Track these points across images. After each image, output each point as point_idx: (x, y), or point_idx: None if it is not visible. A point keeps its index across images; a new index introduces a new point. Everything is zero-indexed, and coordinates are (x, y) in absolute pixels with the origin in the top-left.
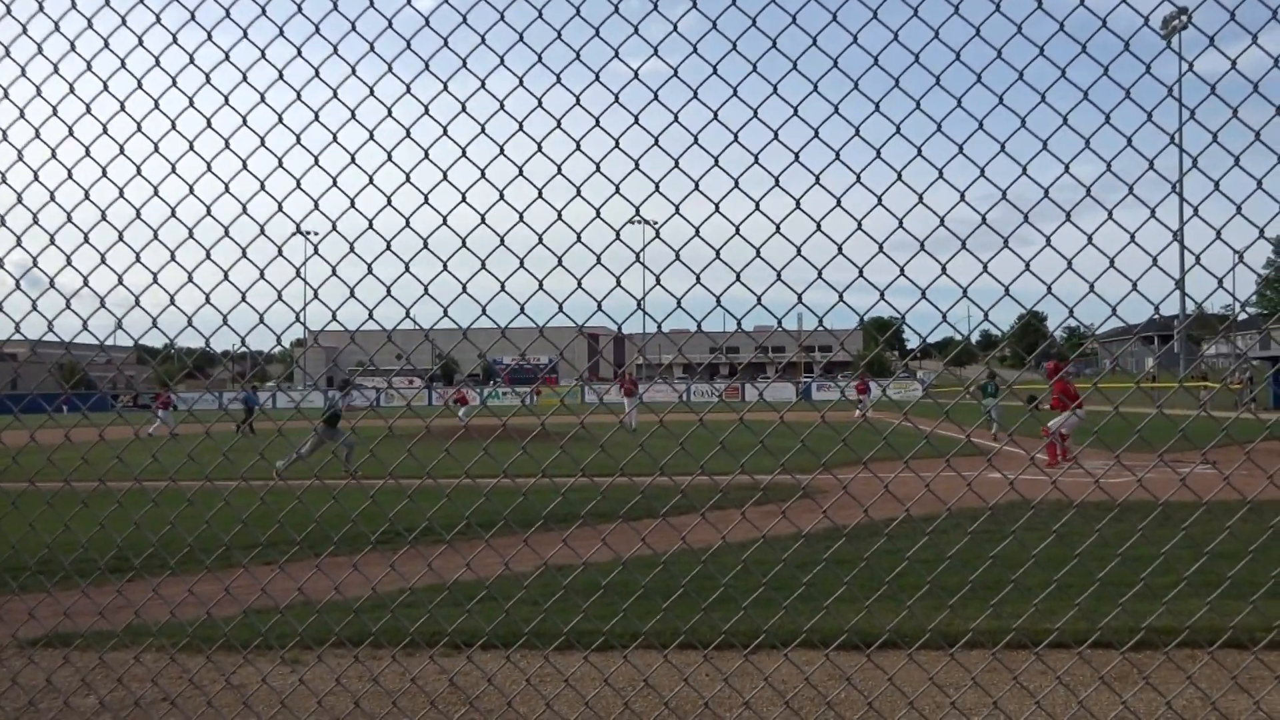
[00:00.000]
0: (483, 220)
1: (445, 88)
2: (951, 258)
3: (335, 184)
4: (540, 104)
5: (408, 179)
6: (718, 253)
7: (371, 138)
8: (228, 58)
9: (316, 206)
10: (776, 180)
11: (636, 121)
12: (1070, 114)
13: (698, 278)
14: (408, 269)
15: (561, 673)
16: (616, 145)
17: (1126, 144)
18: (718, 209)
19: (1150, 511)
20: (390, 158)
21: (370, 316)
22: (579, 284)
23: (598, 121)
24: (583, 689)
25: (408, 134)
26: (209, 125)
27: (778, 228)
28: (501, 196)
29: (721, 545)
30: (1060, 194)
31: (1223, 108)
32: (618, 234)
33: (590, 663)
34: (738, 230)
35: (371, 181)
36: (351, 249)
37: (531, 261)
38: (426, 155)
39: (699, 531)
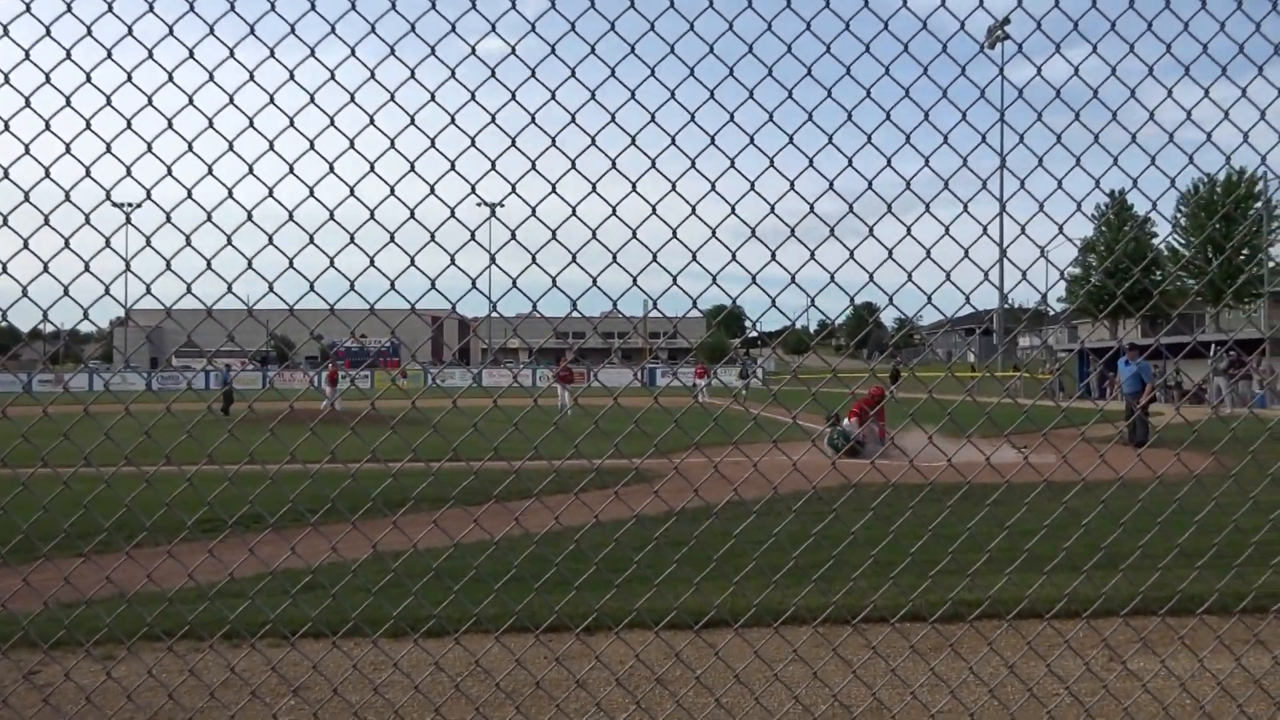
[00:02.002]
0: (310, 193)
1: (272, 54)
2: (780, 245)
3: (150, 150)
4: (373, 76)
5: (230, 147)
6: (554, 233)
7: (191, 103)
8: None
9: (129, 173)
10: (613, 163)
11: (473, 98)
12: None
13: (534, 258)
14: (228, 242)
15: (391, 658)
16: (452, 121)
17: (943, 141)
18: (554, 189)
19: (960, 491)
20: (211, 124)
21: (188, 291)
22: (407, 260)
23: (433, 96)
24: (414, 675)
25: (231, 100)
26: (6, 81)
27: (613, 210)
28: (331, 169)
29: (557, 528)
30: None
31: (1051, 111)
32: (453, 212)
33: (421, 647)
34: (573, 211)
35: (191, 149)
36: (168, 219)
37: (369, 241)
38: (251, 124)
39: (534, 515)
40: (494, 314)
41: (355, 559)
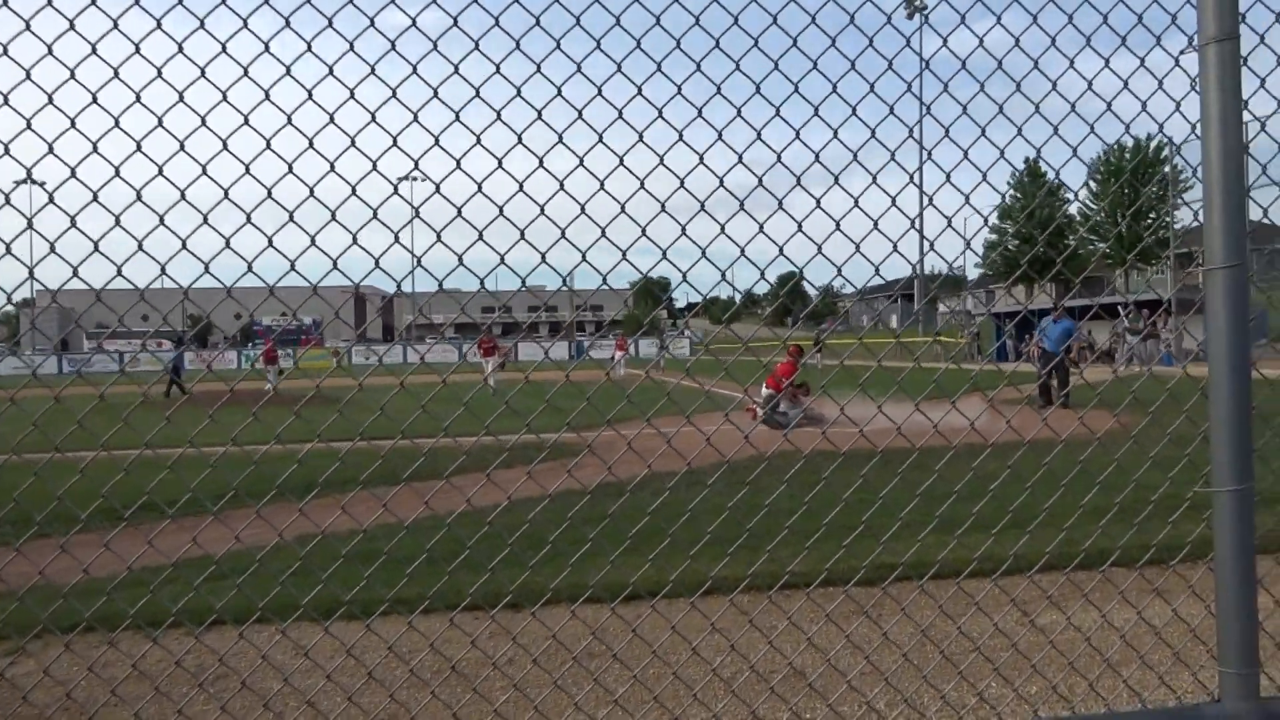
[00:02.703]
0: (247, 170)
1: (202, 25)
2: (690, 220)
3: (74, 126)
4: (310, 48)
5: (160, 123)
6: (459, 210)
7: (117, 76)
8: None
9: (51, 150)
10: (519, 138)
11: (415, 72)
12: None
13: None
14: (163, 221)
15: (301, 647)
16: (394, 95)
17: (851, 113)
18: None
19: (873, 458)
20: (139, 99)
21: (119, 273)
22: (311, 239)
23: (373, 70)
24: (326, 663)
25: (159, 74)
26: None
27: (520, 185)
28: (268, 145)
29: (469, 509)
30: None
31: (968, 82)
32: (352, 189)
33: (331, 634)
34: (479, 187)
35: (118, 125)
36: (95, 198)
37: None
38: (181, 98)
39: (447, 496)
40: (423, 289)
41: (262, 546)
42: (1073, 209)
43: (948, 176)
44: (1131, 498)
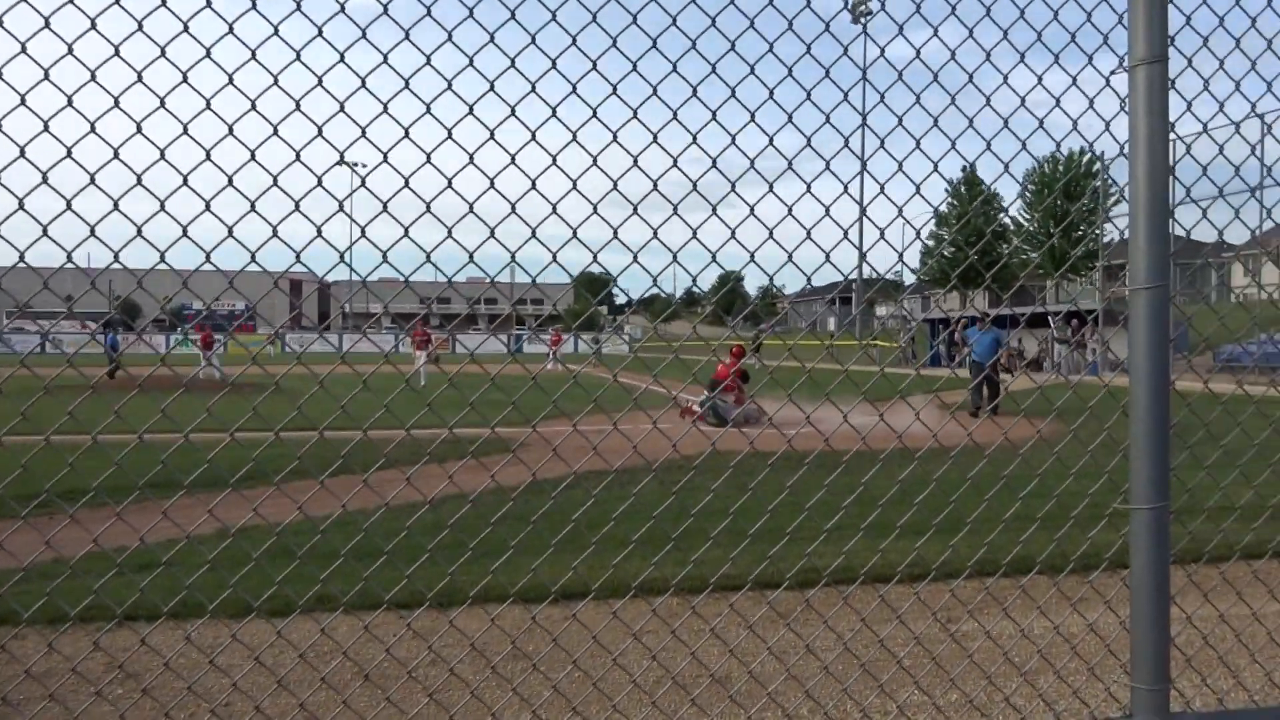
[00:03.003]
0: (162, 156)
1: (118, 2)
2: (623, 223)
3: None
4: (231, 30)
5: (69, 103)
6: (384, 205)
7: (24, 50)
8: None
9: None
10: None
11: (342, 60)
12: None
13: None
14: (70, 206)
15: (206, 652)
16: (320, 83)
17: (787, 120)
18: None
19: (805, 461)
20: (48, 76)
21: (22, 259)
22: (229, 218)
23: (298, 56)
24: (233, 668)
25: (70, 51)
26: None
27: (449, 182)
28: (185, 131)
29: (409, 499)
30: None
31: (905, 92)
32: (274, 179)
33: (240, 640)
34: (406, 181)
35: (24, 102)
36: None
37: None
38: (94, 77)
39: (389, 485)
40: (355, 276)
41: (200, 535)
42: (1008, 218)
43: (881, 188)
44: (1054, 509)
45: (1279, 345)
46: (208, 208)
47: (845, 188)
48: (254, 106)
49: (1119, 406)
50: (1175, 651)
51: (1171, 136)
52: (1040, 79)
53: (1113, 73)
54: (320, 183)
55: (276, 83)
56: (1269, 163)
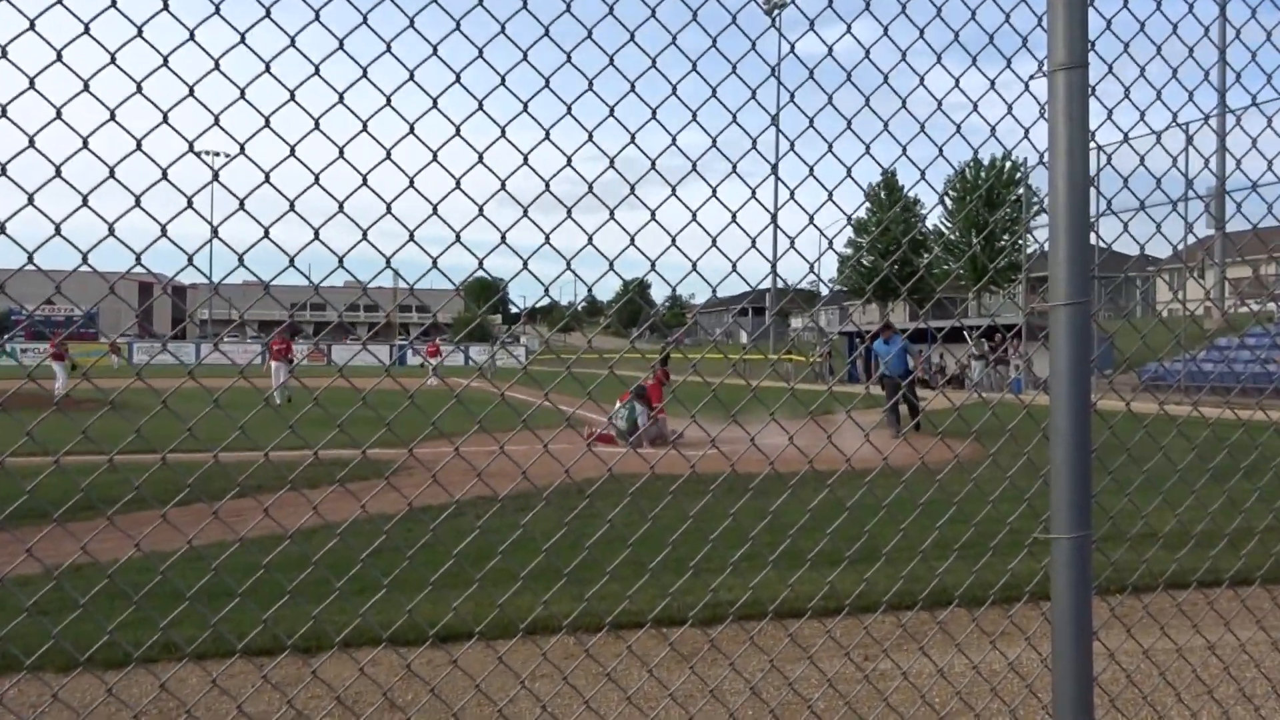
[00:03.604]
0: (31, 144)
1: None
2: (512, 226)
3: None
4: (63, 3)
5: None
6: (241, 203)
7: None
8: None
9: None
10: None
11: (192, 38)
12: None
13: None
14: None
15: (52, 690)
16: (165, 64)
17: (691, 119)
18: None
19: (713, 484)
20: None
21: None
22: (56, 227)
23: (140, 32)
24: (84, 711)
25: None
26: None
27: (316, 178)
28: (4, 113)
29: (267, 531)
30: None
31: (819, 87)
32: (110, 170)
33: (98, 678)
34: (267, 177)
35: None
36: None
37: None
38: None
39: (244, 516)
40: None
41: (20, 576)
42: (928, 226)
43: (791, 194)
44: (973, 537)
45: (1201, 364)
46: (30, 202)
47: (753, 192)
48: (86, 88)
49: (1040, 428)
50: (1099, 690)
51: (1092, 145)
52: (958, 81)
53: (1032, 77)
54: (165, 176)
55: (114, 61)
56: (1191, 175)
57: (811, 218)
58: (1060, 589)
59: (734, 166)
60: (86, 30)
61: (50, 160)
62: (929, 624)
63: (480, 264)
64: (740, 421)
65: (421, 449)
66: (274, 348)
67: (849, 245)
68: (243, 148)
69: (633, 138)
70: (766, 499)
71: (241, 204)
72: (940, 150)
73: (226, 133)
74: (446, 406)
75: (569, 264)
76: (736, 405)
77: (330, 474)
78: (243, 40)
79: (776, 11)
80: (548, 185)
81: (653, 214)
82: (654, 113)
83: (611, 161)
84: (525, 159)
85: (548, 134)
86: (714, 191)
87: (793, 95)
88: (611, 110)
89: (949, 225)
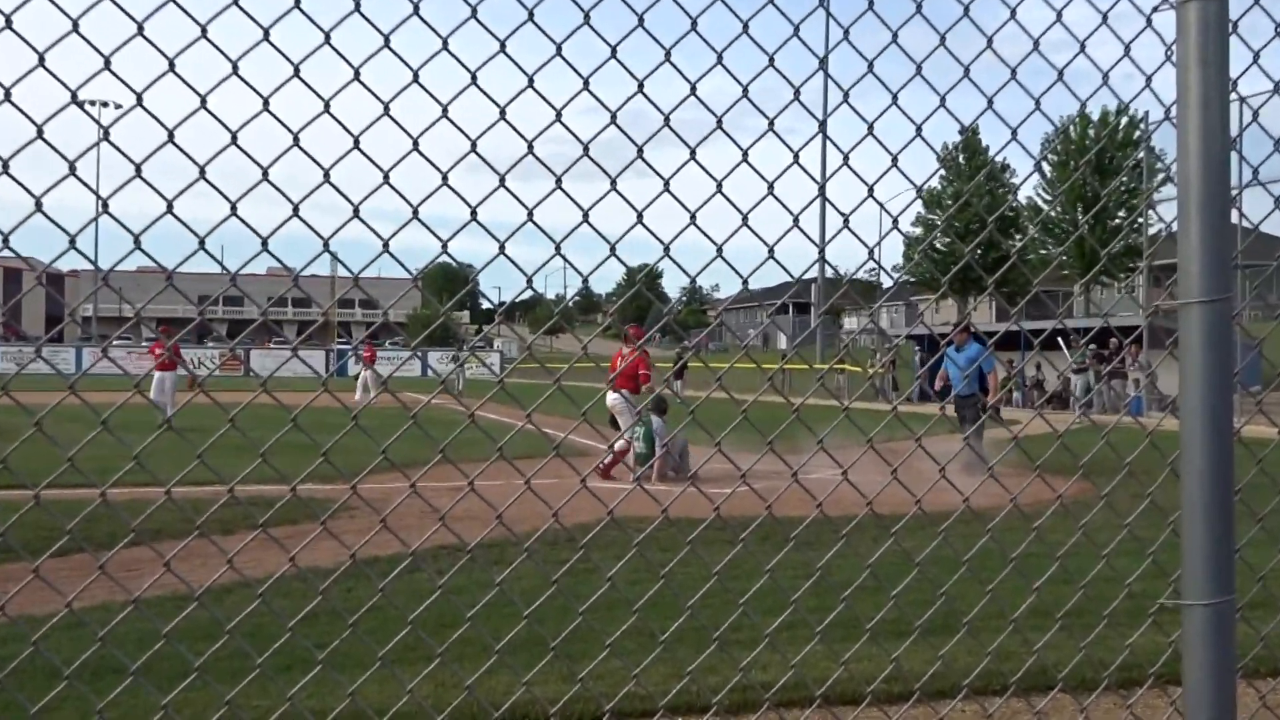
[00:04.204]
0: None
1: None
2: (485, 199)
3: None
4: None
5: None
6: (137, 169)
7: None
8: None
9: None
10: (296, 70)
11: None
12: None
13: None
14: None
15: None
16: (75, 27)
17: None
18: (204, 103)
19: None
20: None
21: None
22: None
23: None
24: None
25: None
26: None
27: (296, 139)
28: None
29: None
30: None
31: (880, 22)
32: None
33: None
34: (234, 139)
35: None
36: None
37: None
38: None
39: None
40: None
41: None
42: (1020, 199)
43: (845, 158)
44: (1081, 603)
45: None
46: None
47: (795, 157)
48: None
49: (1167, 461)
50: None
51: (1233, 96)
52: (1060, 14)
53: (1156, 9)
54: (41, 134)
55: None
56: None
57: (871, 189)
58: (1194, 669)
59: (770, 123)
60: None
61: None
62: (1023, 713)
63: (444, 247)
64: (778, 451)
65: (368, 485)
66: (154, 353)
67: (918, 224)
68: (140, 98)
69: (640, 86)
70: (812, 551)
71: (138, 170)
72: (1037, 102)
73: (119, 79)
74: (401, 431)
75: (558, 248)
76: (774, 431)
77: (250, 516)
78: (141, 31)
79: None
80: (531, 147)
81: (666, 184)
82: (668, 54)
83: (614, 116)
84: (502, 113)
85: (531, 81)
86: (745, 155)
87: (846, 32)
88: (614, 51)
89: (1047, 198)
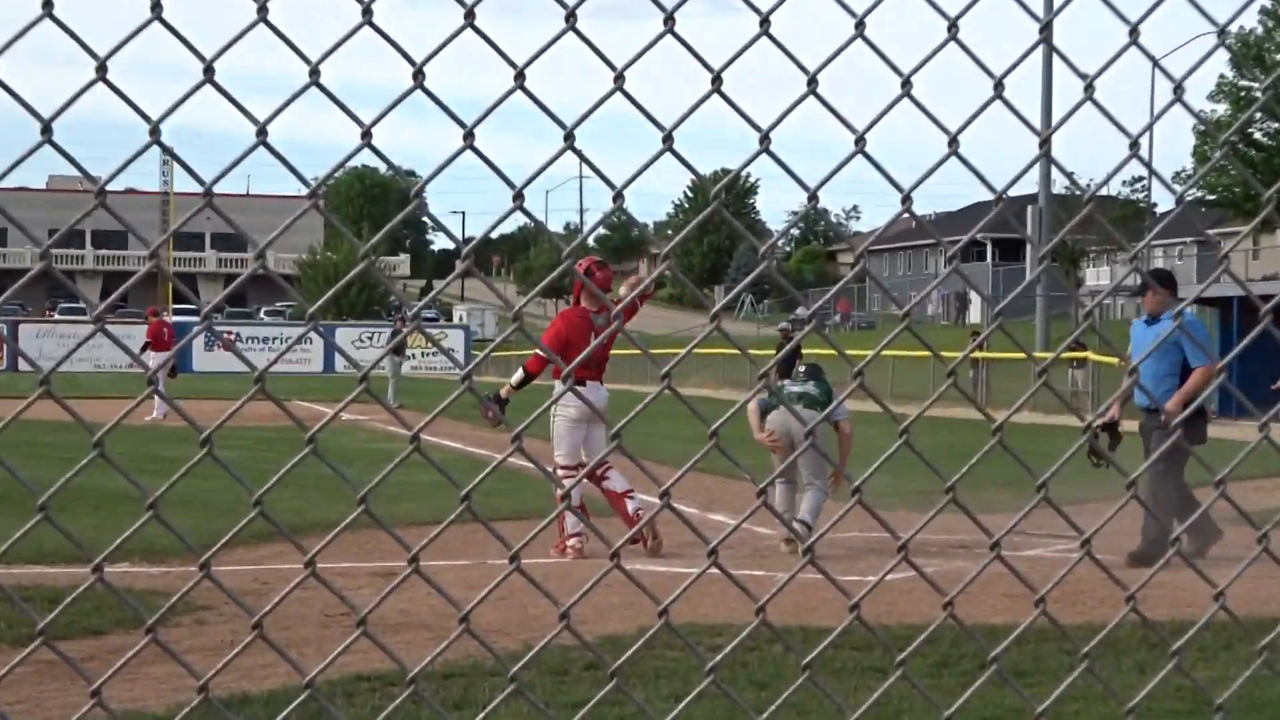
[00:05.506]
0: None
1: None
2: (450, 40)
3: None
4: None
5: None
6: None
7: None
8: None
9: None
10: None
11: None
12: None
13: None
14: None
15: None
16: None
17: None
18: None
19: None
20: None
21: None
22: None
23: None
24: None
25: None
26: None
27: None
28: None
29: None
30: None
31: None
32: None
33: None
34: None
35: None
36: None
37: None
38: None
39: None
40: None
41: None
42: None
43: None
44: None
45: None
46: None
47: None
48: None
49: None
50: None
51: None
52: None
53: None
54: None
55: None
56: None
57: (1134, 28)
58: None
59: None
60: None
61: None
62: None
63: (366, 137)
64: (966, 506)
65: (226, 566)
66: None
67: (1220, 98)
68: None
69: None
70: (1029, 685)
71: None
72: None
73: None
74: (289, 465)
75: (570, 135)
76: (958, 469)
77: (23, 619)
78: None
79: None
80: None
81: (765, 18)
82: None
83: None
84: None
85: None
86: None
87: None
88: None
89: None
